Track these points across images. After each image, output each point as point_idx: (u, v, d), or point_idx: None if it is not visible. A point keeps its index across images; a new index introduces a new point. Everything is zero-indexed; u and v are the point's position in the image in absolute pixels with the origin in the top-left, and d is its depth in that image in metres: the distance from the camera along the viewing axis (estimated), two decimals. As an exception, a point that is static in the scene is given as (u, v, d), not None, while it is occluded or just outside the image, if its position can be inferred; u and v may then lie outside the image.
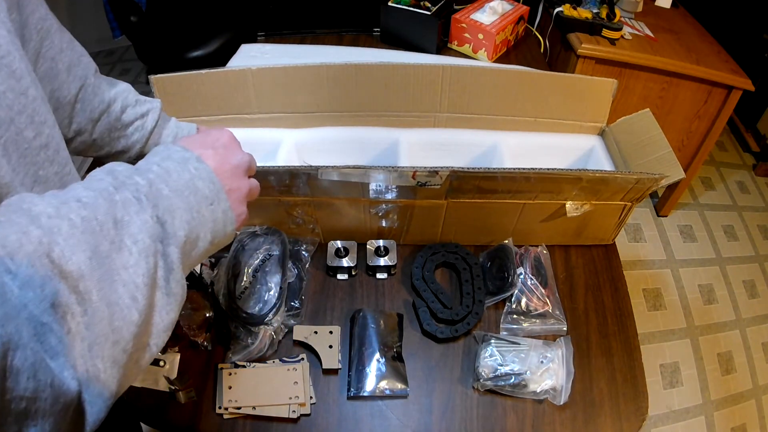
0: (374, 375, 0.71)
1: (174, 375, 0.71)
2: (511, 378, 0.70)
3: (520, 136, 0.98)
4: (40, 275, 0.27)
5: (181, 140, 0.45)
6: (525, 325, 0.78)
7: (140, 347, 0.33)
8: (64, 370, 0.27)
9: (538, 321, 0.79)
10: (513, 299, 0.80)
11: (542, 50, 1.56)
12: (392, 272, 0.85)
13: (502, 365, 0.71)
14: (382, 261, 0.83)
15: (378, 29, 1.49)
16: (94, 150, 0.68)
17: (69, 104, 0.61)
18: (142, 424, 0.86)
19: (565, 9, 1.59)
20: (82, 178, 0.38)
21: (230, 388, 0.69)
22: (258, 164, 0.70)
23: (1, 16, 0.42)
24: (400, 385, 0.71)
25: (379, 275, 0.85)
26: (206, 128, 0.48)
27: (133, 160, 0.69)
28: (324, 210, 0.80)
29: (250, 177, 0.50)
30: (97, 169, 0.37)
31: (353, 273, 0.85)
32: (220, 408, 0.68)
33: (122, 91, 0.67)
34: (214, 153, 0.44)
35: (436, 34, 1.37)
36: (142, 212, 0.34)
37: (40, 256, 0.27)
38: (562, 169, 0.72)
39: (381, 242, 0.85)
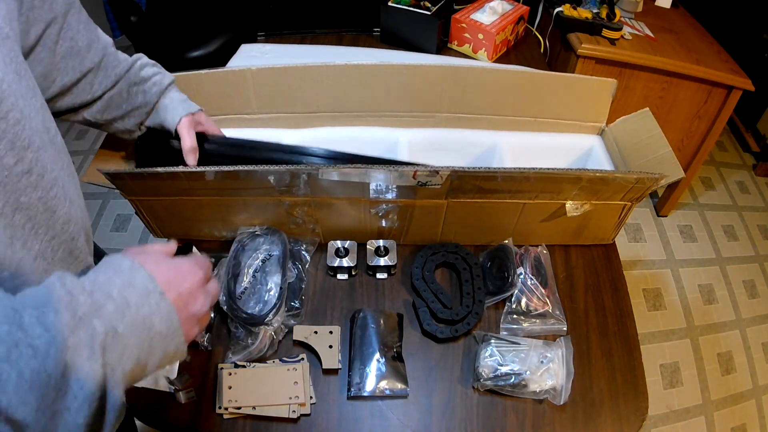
0: (374, 375, 0.71)
1: (174, 375, 0.71)
2: (511, 378, 0.70)
3: (520, 136, 0.98)
4: None
5: (149, 255, 0.43)
6: (525, 325, 0.78)
7: None
8: None
9: (538, 321, 0.79)
10: (513, 299, 0.80)
11: (542, 50, 1.56)
12: (392, 272, 0.85)
13: (502, 365, 0.71)
14: (382, 261, 0.83)
15: (378, 29, 1.49)
16: (112, 110, 0.71)
17: (92, 73, 0.65)
18: (142, 424, 0.86)
19: (565, 9, 1.58)
20: (79, 174, 0.38)
21: (230, 388, 0.69)
22: (258, 164, 0.70)
23: None
24: (400, 385, 0.71)
25: (379, 275, 0.85)
26: (180, 259, 0.46)
27: (148, 115, 0.75)
28: (324, 210, 0.80)
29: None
30: (58, 288, 0.35)
31: (353, 273, 0.85)
32: (220, 408, 0.68)
33: (139, 55, 0.74)
34: (178, 297, 0.42)
35: (436, 34, 1.37)
36: (92, 359, 0.34)
37: None
38: (562, 169, 0.72)
39: (381, 242, 0.85)
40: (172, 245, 0.48)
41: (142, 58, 0.73)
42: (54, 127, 0.48)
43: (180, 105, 0.75)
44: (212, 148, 0.78)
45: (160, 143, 0.77)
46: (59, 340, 0.32)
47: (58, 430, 0.32)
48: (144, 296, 0.39)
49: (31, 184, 0.41)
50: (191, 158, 0.74)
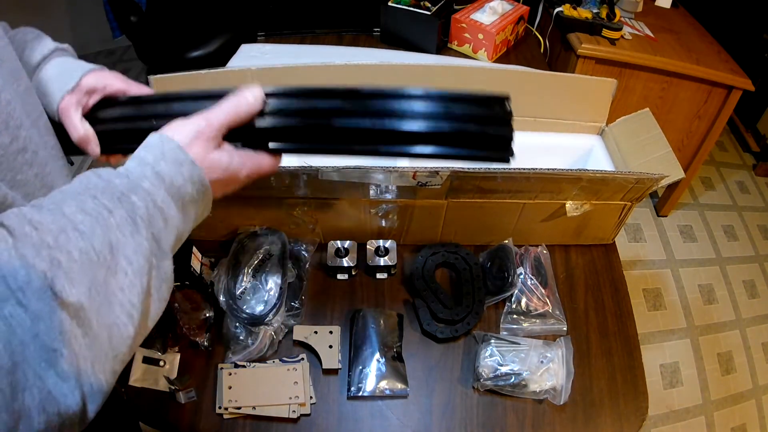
0: (374, 375, 0.71)
1: (174, 375, 0.71)
2: (511, 378, 0.70)
3: (520, 136, 0.97)
4: (48, 308, 0.29)
5: (208, 159, 0.41)
6: (525, 325, 0.78)
7: (134, 349, 0.35)
8: (75, 390, 0.29)
9: (538, 321, 0.79)
10: (513, 299, 0.80)
11: (542, 50, 1.56)
12: (392, 272, 0.85)
13: (502, 365, 0.71)
14: (382, 261, 0.83)
15: (378, 29, 1.49)
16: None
17: None
18: (142, 425, 0.86)
19: (565, 9, 1.58)
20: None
21: (230, 388, 0.69)
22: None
23: None
24: (400, 385, 0.71)
25: (379, 275, 0.85)
26: (230, 163, 0.42)
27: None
28: (324, 210, 0.80)
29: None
30: (92, 178, 0.36)
31: (353, 273, 0.85)
32: (220, 408, 0.68)
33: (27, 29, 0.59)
34: (206, 161, 0.42)
35: (436, 34, 1.37)
36: (137, 234, 0.35)
37: (46, 289, 0.29)
38: (562, 169, 0.72)
39: (381, 242, 0.84)
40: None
41: (26, 30, 0.57)
42: (40, 109, 0.48)
43: (57, 81, 0.53)
44: (107, 115, 0.54)
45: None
46: (101, 220, 0.33)
47: (113, 310, 0.32)
48: (176, 166, 0.39)
49: (27, 161, 0.42)
50: (91, 148, 0.53)
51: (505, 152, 0.48)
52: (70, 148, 0.55)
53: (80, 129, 0.53)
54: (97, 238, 0.32)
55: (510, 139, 0.46)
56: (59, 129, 0.54)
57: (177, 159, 0.39)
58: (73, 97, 0.53)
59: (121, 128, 0.53)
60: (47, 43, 0.55)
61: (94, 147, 0.54)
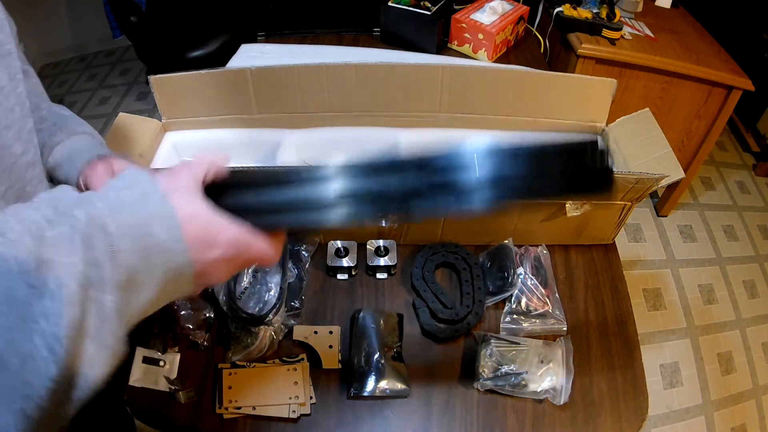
0: (374, 375, 0.71)
1: (174, 375, 0.71)
2: (511, 378, 0.70)
3: (520, 136, 0.98)
4: None
5: (194, 213, 0.35)
6: (525, 325, 0.78)
7: (61, 401, 0.29)
8: None
9: (538, 321, 0.79)
10: (513, 299, 0.80)
11: (542, 50, 1.56)
12: (392, 272, 0.85)
13: (502, 365, 0.71)
14: (382, 261, 0.83)
15: (378, 29, 1.49)
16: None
17: None
18: (143, 425, 0.86)
19: (565, 9, 1.59)
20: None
21: (230, 388, 0.69)
22: (258, 164, 0.69)
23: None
24: (400, 385, 0.71)
25: (379, 275, 0.85)
26: (238, 240, 0.36)
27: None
28: (324, 210, 0.80)
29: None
30: (45, 193, 0.32)
31: (353, 273, 0.85)
32: (220, 408, 0.68)
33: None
34: (221, 263, 0.36)
35: (436, 34, 1.37)
36: (72, 253, 0.29)
37: None
38: (562, 169, 0.72)
39: (381, 242, 0.85)
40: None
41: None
42: (36, 141, 0.47)
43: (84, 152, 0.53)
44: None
45: None
46: (35, 229, 0.29)
47: (32, 338, 0.27)
48: (142, 197, 0.33)
49: (37, 176, 0.42)
50: None
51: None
52: None
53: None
54: (23, 248, 0.28)
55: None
56: None
57: (145, 191, 0.34)
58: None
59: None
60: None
61: None
